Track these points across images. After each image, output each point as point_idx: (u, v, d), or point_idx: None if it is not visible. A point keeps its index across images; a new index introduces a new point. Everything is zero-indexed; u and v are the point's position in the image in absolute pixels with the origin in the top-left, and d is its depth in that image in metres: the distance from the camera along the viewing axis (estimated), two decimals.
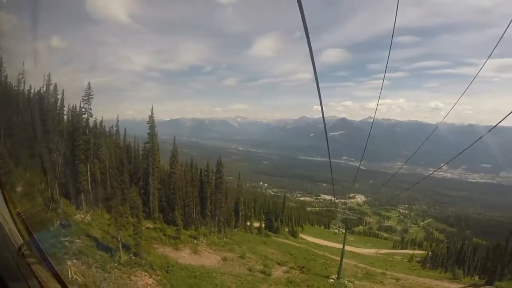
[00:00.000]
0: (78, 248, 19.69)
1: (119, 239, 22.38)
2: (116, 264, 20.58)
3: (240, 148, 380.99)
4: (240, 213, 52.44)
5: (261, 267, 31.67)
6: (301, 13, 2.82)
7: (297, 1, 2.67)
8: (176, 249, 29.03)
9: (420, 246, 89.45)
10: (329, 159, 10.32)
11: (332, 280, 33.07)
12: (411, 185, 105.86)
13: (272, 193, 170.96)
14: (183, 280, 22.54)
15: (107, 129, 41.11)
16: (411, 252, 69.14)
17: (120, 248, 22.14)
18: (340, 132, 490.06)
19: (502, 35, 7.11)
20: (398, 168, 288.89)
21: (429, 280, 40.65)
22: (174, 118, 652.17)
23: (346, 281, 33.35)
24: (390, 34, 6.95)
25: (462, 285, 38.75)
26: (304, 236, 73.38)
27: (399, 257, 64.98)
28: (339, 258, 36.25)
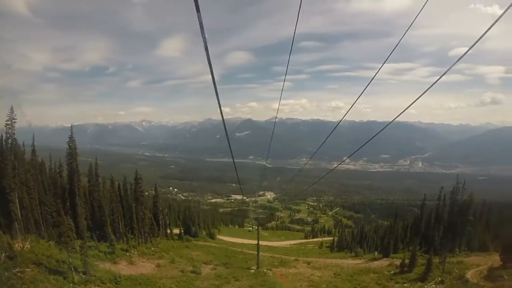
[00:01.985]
0: (32, 276, 21.60)
1: (70, 261, 24.70)
2: (71, 285, 23.14)
3: (147, 154, 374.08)
4: (160, 222, 56.35)
5: (190, 268, 37.07)
6: (198, 17, 3.26)
7: (195, 5, 3.13)
8: (114, 263, 32.14)
9: (329, 233, 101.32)
10: (233, 159, 11.54)
11: (253, 270, 40.07)
12: (318, 178, 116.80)
13: (183, 197, 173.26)
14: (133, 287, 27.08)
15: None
16: (321, 239, 79.51)
17: (72, 269, 24.66)
18: (246, 132, 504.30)
19: (398, 43, 8.09)
20: (304, 163, 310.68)
21: (336, 260, 50.08)
22: (76, 124, 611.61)
23: (265, 270, 40.62)
24: (296, 38, 7.41)
25: (364, 260, 48.29)
26: (221, 237, 78.31)
27: (311, 245, 74.66)
28: (256, 252, 43.76)
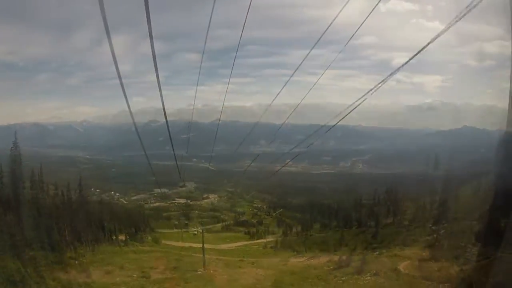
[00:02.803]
0: None
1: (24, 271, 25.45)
2: None
3: (88, 156, 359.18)
4: (105, 229, 57.00)
5: (140, 273, 38.24)
6: (147, 17, 3.39)
7: (145, 5, 3.28)
8: (66, 272, 33.13)
9: (273, 234, 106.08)
10: (176, 161, 12.62)
11: (200, 272, 42.28)
12: (262, 181, 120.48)
13: (125, 202, 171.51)
14: None
15: None
16: (265, 240, 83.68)
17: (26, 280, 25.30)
18: (191, 134, 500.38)
19: (340, 51, 10.01)
20: (247, 166, 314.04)
21: (278, 259, 53.67)
22: (12, 123, 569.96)
23: (211, 271, 43.00)
24: (243, 42, 8.86)
25: (305, 258, 52.30)
26: (167, 242, 79.86)
27: (255, 246, 78.89)
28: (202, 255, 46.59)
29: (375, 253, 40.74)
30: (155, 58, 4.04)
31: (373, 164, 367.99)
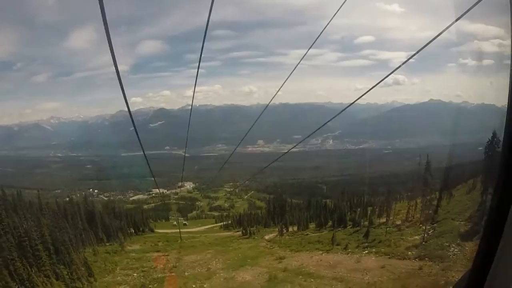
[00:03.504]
0: None
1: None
2: None
3: (59, 154, 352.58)
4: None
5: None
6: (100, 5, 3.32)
7: None
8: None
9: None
10: (143, 152, 11.25)
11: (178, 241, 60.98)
12: (234, 163, 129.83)
13: (105, 198, 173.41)
14: None
15: None
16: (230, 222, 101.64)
17: None
18: (160, 122, 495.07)
19: (320, 34, 10.23)
20: (218, 149, 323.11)
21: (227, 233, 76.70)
22: None
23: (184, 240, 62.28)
24: (209, 27, 7.76)
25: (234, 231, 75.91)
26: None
27: (217, 228, 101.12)
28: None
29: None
30: (112, 47, 4.10)
31: (344, 140, 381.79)
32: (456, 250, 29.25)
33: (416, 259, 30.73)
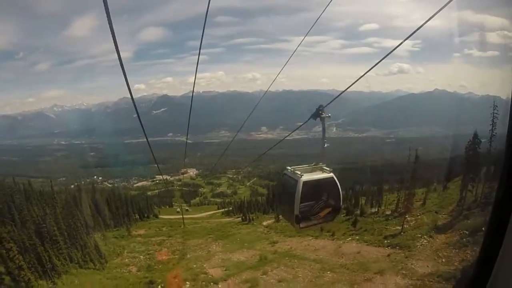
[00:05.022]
0: None
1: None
2: None
3: (63, 142, 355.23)
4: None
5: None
6: None
7: None
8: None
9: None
10: (146, 138, 11.46)
11: (182, 226, 68.40)
12: (237, 150, 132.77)
13: (109, 185, 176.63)
14: None
15: None
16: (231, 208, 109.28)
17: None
18: (163, 109, 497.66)
19: (317, 19, 10.43)
20: (222, 136, 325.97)
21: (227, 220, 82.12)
22: None
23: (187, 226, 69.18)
24: (211, 13, 7.31)
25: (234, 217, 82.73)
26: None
27: (219, 214, 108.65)
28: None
29: None
30: (114, 34, 4.15)
31: (347, 128, 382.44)
32: (425, 241, 31.52)
33: (388, 247, 33.45)
